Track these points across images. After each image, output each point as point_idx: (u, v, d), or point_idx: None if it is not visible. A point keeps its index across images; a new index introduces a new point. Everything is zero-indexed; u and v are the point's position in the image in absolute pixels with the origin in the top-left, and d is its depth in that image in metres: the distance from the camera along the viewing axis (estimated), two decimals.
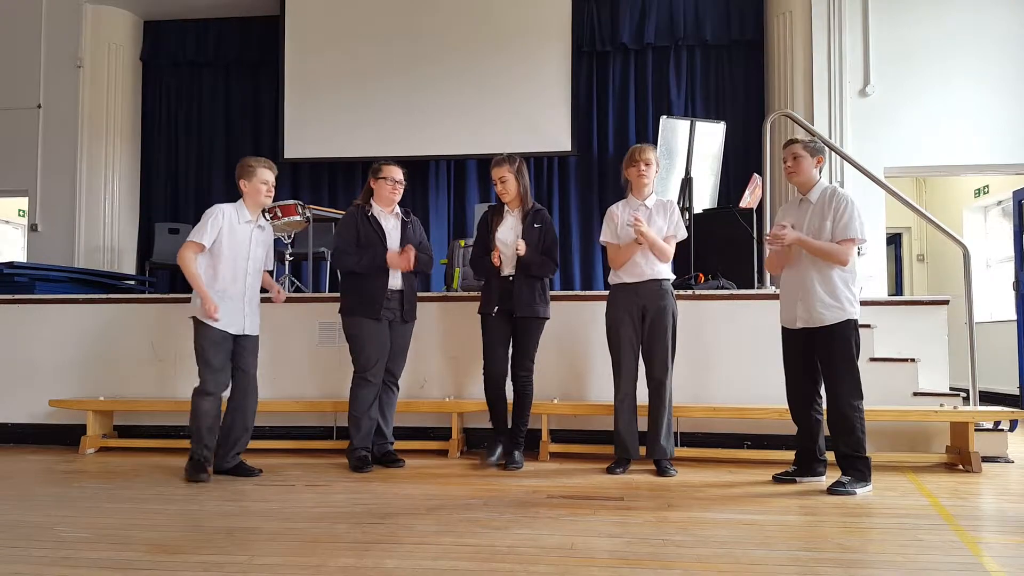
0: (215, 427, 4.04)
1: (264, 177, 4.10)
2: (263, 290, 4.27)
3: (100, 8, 8.13)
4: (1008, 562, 2.58)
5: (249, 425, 4.13)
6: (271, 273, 4.38)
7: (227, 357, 4.03)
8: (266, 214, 5.31)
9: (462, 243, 5.60)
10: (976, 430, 4.40)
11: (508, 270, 4.30)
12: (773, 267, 4.06)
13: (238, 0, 8.11)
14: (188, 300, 4.15)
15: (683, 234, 4.26)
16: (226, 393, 4.09)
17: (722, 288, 5.04)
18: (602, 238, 4.37)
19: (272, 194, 4.16)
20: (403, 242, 4.34)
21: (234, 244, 4.04)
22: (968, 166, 7.26)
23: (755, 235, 5.41)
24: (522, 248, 4.20)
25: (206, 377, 3.97)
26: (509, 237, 4.30)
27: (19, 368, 5.35)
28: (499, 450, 4.35)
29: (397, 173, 4.35)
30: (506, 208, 4.40)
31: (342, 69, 7.92)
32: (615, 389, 4.23)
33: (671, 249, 4.21)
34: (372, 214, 4.32)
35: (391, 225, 4.35)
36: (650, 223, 4.18)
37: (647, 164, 4.22)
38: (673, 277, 4.28)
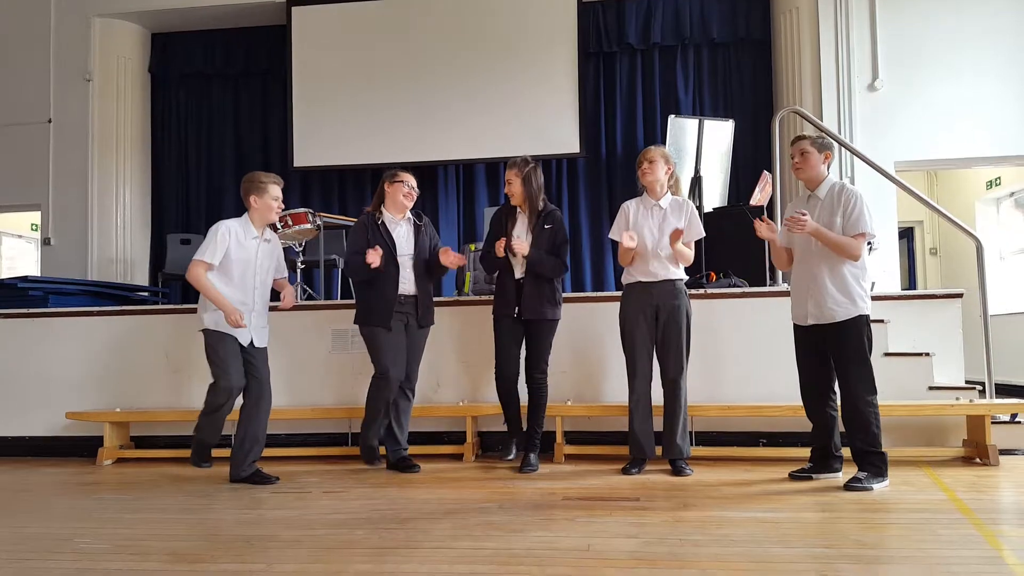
0: (221, 417, 4.11)
1: (275, 193, 4.15)
2: (276, 294, 4.32)
3: (108, 21, 8.18)
4: None
5: (262, 434, 4.16)
6: (287, 280, 4.44)
7: (239, 358, 4.08)
8: (278, 224, 5.33)
9: (472, 247, 5.60)
10: (993, 423, 4.36)
11: (520, 272, 4.31)
12: (780, 263, 4.06)
13: (244, 11, 8.14)
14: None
15: (701, 233, 4.27)
16: (238, 402, 4.12)
17: (734, 286, 5.02)
18: (612, 234, 4.37)
19: (281, 209, 4.23)
20: (417, 246, 4.37)
21: (242, 260, 4.08)
22: (979, 158, 7.21)
23: None
24: (524, 248, 4.20)
25: (221, 375, 4.02)
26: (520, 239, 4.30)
27: (35, 382, 5.38)
28: (514, 448, 4.35)
29: (412, 180, 4.41)
30: (519, 209, 4.41)
31: (349, 76, 7.94)
32: (629, 389, 4.22)
33: (691, 252, 4.22)
34: (382, 221, 4.35)
35: (402, 231, 4.37)
36: (664, 223, 4.18)
37: (650, 162, 4.23)
38: (686, 276, 4.28)
